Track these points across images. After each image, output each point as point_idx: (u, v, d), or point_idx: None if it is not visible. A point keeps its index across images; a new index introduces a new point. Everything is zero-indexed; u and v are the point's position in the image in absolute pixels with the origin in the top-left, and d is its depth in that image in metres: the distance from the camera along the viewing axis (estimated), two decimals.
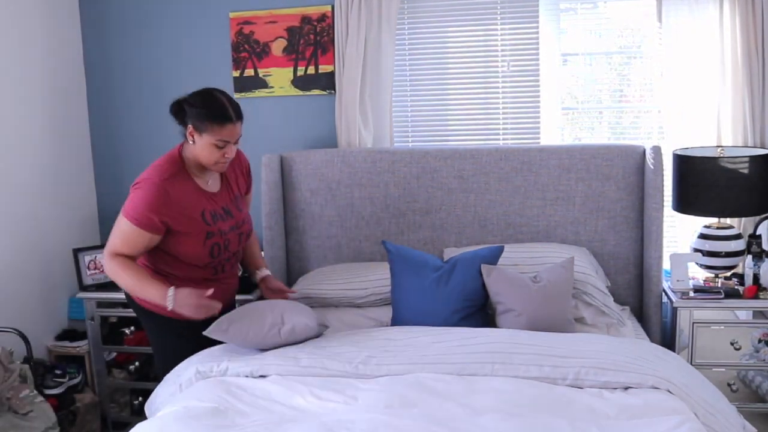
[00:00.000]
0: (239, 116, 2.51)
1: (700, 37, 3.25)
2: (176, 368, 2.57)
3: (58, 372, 3.40)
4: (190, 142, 2.52)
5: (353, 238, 3.47)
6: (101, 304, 3.55)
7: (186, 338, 2.62)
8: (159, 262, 2.59)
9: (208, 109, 2.47)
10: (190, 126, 2.50)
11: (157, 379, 2.65)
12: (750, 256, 3.11)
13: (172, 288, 2.41)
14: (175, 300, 2.39)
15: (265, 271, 2.86)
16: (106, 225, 3.99)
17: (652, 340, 2.97)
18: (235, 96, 3.72)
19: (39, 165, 3.61)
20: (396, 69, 3.59)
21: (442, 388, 2.24)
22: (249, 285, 3.51)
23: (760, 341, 3.19)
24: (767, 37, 3.17)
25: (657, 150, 3.09)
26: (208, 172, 2.62)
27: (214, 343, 2.62)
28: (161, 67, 3.82)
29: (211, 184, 2.64)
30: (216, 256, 2.60)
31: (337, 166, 3.45)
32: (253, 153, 3.77)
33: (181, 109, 2.52)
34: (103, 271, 3.61)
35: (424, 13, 3.58)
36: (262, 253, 3.24)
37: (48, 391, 3.29)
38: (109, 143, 3.95)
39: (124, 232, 2.47)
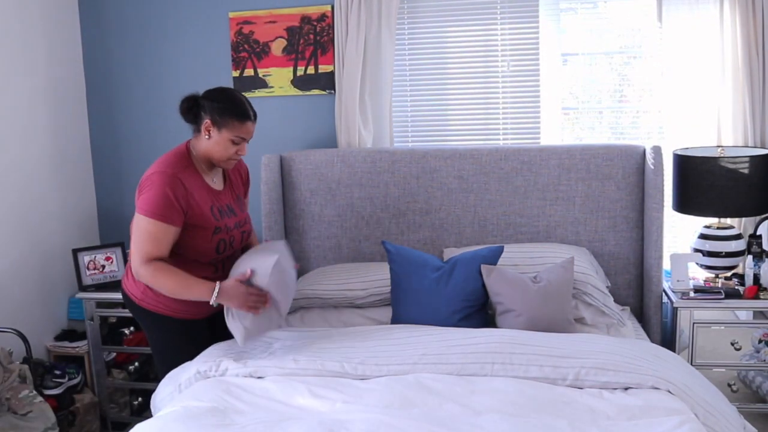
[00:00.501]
0: (255, 116, 2.59)
1: (701, 37, 3.25)
2: (176, 368, 2.58)
3: (57, 372, 3.40)
4: (206, 137, 2.54)
5: (353, 238, 3.47)
6: (101, 304, 3.55)
7: (186, 338, 2.62)
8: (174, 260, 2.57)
9: (231, 104, 2.53)
10: (207, 121, 2.52)
11: (157, 380, 2.65)
12: (750, 257, 3.10)
13: (218, 283, 2.41)
14: (221, 294, 2.40)
15: None
16: (105, 225, 3.99)
17: (652, 341, 2.97)
18: None
19: (39, 165, 3.60)
20: (396, 69, 3.59)
21: (442, 388, 2.24)
22: None
23: (760, 341, 3.19)
24: (767, 36, 3.17)
25: (657, 150, 3.08)
26: (214, 170, 2.64)
27: (213, 342, 2.63)
28: (161, 66, 3.82)
29: (216, 182, 2.66)
30: (221, 252, 2.60)
31: (337, 166, 3.44)
32: (253, 153, 3.76)
33: (195, 105, 2.54)
34: (102, 271, 3.62)
35: (424, 12, 3.58)
36: None
37: (47, 392, 3.29)
38: (108, 143, 3.94)
39: (149, 232, 2.43)
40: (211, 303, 2.41)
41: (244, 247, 2.78)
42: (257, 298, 2.43)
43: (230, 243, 2.63)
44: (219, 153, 2.54)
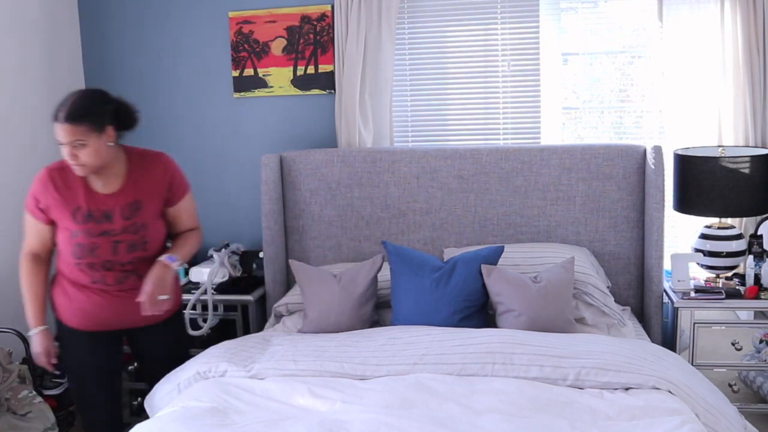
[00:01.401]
0: (71, 119, 2.33)
1: (701, 37, 3.24)
2: (175, 369, 2.59)
3: (57, 372, 3.39)
4: None
5: (353, 238, 3.47)
6: None
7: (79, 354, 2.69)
8: (59, 259, 2.63)
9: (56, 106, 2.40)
10: None
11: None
12: (751, 256, 3.10)
13: (40, 327, 2.59)
14: (34, 337, 2.60)
15: (163, 257, 2.53)
16: None
17: (652, 341, 2.97)
18: (234, 95, 3.72)
19: (39, 165, 3.58)
20: (396, 68, 3.58)
21: (442, 389, 2.23)
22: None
23: (761, 342, 3.18)
24: None
25: (658, 150, 3.08)
26: (109, 172, 2.50)
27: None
28: (160, 66, 3.82)
29: (104, 186, 2.50)
30: (80, 258, 2.48)
31: (337, 166, 3.44)
32: (253, 153, 3.77)
33: None
34: None
35: (424, 12, 3.57)
36: (220, 253, 3.42)
37: (47, 392, 3.28)
38: None
39: (25, 222, 2.59)
40: (28, 335, 2.59)
41: (151, 256, 2.55)
42: (48, 360, 2.61)
43: (90, 250, 2.46)
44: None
